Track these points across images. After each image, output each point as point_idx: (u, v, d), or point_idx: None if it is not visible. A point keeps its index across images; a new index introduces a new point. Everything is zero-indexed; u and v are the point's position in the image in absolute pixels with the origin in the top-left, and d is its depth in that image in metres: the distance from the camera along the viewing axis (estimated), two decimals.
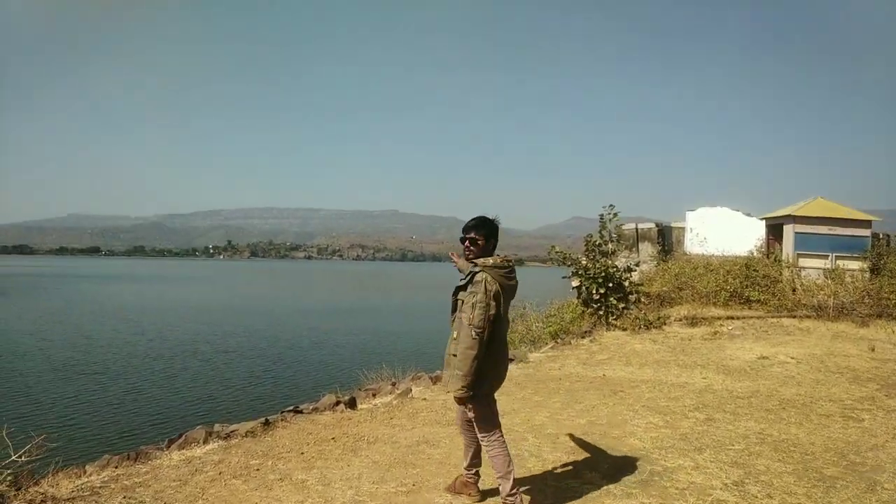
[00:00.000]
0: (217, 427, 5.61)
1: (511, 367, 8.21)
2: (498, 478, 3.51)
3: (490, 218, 3.70)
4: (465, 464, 3.85)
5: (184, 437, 5.26)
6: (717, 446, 4.87)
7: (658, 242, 18.77)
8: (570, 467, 4.39)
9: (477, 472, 3.84)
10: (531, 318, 15.83)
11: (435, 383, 7.19)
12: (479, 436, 3.59)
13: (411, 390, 6.40)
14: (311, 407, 6.02)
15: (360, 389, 6.95)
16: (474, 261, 3.55)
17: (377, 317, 35.03)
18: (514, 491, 3.47)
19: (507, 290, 3.53)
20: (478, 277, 3.41)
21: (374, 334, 26.72)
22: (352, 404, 6.21)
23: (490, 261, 3.51)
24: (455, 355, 3.37)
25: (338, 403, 6.13)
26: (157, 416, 12.80)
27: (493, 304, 3.36)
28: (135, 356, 19.94)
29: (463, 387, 3.31)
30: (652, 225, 19.18)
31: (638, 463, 4.46)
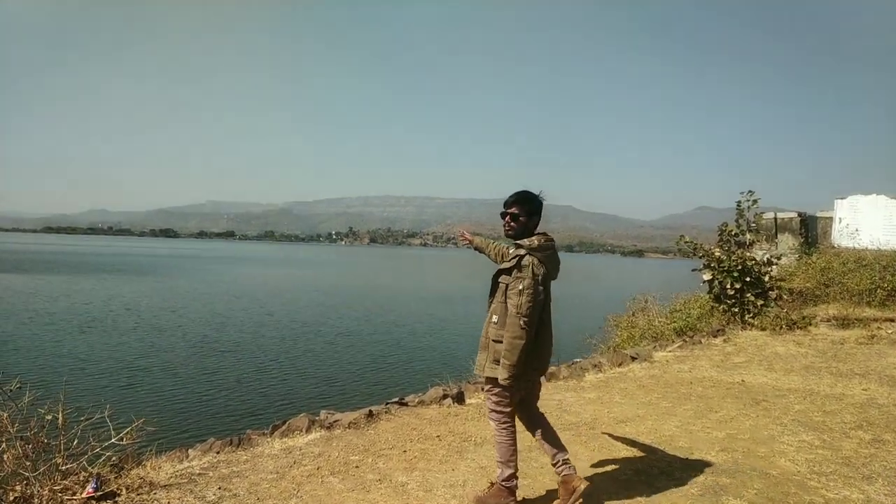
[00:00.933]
0: (322, 415, 5.43)
1: (634, 366, 7.52)
2: (499, 462, 3.41)
3: (534, 193, 3.50)
4: (551, 460, 3.44)
5: (287, 424, 5.10)
6: (892, 475, 4.01)
7: (800, 234, 16.95)
8: (710, 492, 3.74)
9: (567, 460, 3.41)
10: (653, 312, 14.82)
11: (549, 380, 6.66)
12: (491, 418, 3.42)
13: None
14: (416, 399, 5.70)
15: (469, 382, 6.54)
16: (517, 242, 3.39)
17: None
18: (511, 477, 3.37)
19: (552, 271, 3.39)
20: (525, 261, 3.23)
21: None
22: (459, 399, 5.82)
23: (536, 241, 3.33)
24: (498, 341, 3.25)
25: (445, 397, 5.77)
26: (273, 398, 13.18)
27: (541, 289, 3.22)
28: (262, 336, 20.90)
29: (510, 376, 3.16)
30: (794, 214, 17.34)
31: (793, 491, 3.73)
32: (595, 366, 7.88)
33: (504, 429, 3.37)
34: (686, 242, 11.47)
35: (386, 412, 5.34)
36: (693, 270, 11.47)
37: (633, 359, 7.96)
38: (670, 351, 8.63)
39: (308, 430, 4.95)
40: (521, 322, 3.14)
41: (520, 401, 3.46)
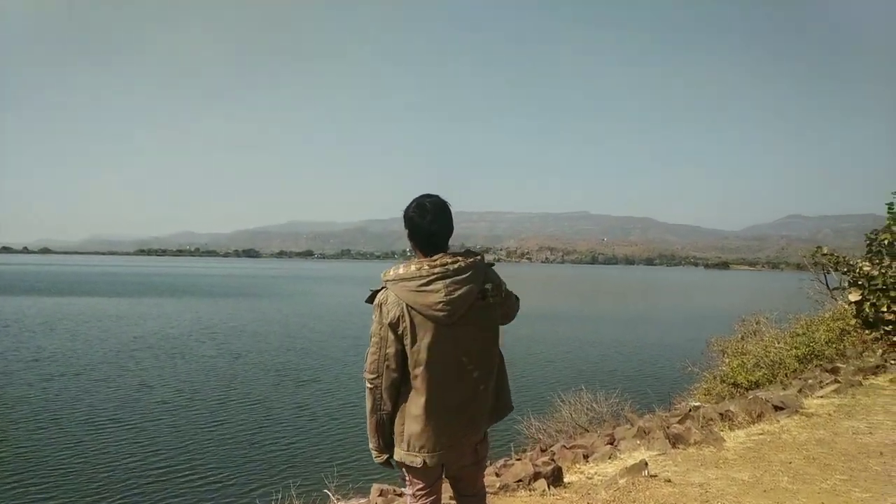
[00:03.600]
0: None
1: (786, 421, 5.63)
2: None
3: (413, 203, 2.47)
4: None
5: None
6: None
7: None
8: None
9: None
10: (768, 336, 12.66)
11: (676, 445, 4.93)
12: None
13: (646, 464, 4.20)
14: (497, 483, 4.11)
15: (564, 447, 4.91)
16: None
17: (582, 326, 32.48)
18: None
19: (429, 314, 2.28)
20: (378, 298, 2.39)
21: (577, 347, 24.40)
22: (556, 478, 4.20)
23: (402, 269, 2.36)
24: None
25: (537, 477, 4.16)
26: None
27: (390, 337, 2.32)
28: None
29: (371, 450, 2.48)
30: None
31: None
32: (724, 417, 6.06)
33: None
34: (825, 255, 9.39)
35: None
36: (834, 289, 9.36)
37: (778, 409, 6.08)
38: (823, 396, 6.66)
39: None
40: (365, 380, 2.40)
41: (459, 493, 2.58)
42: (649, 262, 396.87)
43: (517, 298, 2.62)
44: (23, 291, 49.48)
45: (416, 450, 2.34)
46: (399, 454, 2.40)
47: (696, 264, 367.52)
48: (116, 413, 12.98)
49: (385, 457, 2.46)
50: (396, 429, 2.41)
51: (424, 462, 2.33)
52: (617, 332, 30.11)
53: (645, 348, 24.56)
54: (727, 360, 12.18)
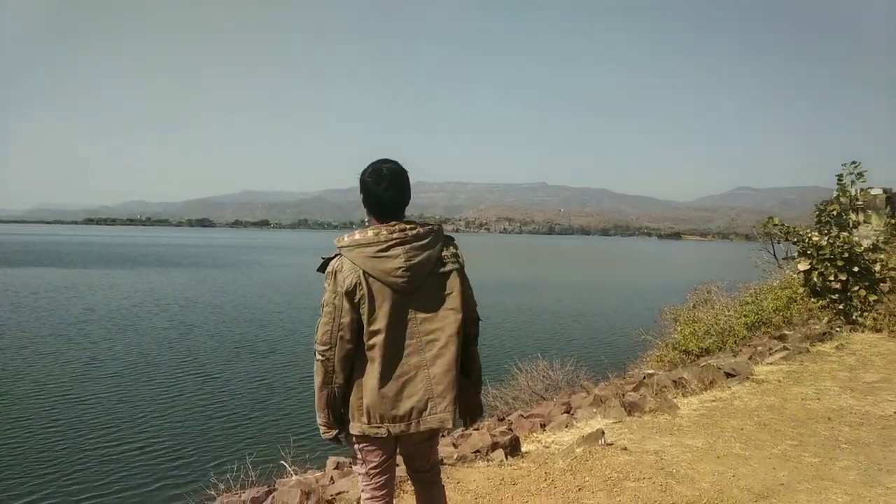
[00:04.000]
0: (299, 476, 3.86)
1: (737, 388, 5.75)
2: None
3: (368, 168, 2.38)
4: None
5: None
6: None
7: (887, 213, 14.79)
8: None
9: None
10: (719, 304, 12.97)
11: (631, 412, 4.96)
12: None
13: (603, 433, 4.21)
14: (455, 455, 4.05)
15: (522, 416, 4.89)
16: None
17: (539, 296, 32.76)
18: None
19: (387, 280, 2.20)
20: (330, 266, 2.27)
21: (534, 316, 24.58)
22: (514, 448, 4.18)
23: (353, 237, 2.27)
24: None
25: (495, 447, 4.12)
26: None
27: (345, 306, 2.21)
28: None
29: (320, 425, 2.36)
30: (879, 191, 15.17)
31: None
32: (677, 384, 6.16)
33: (368, 499, 2.39)
34: (776, 225, 9.58)
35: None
36: (785, 259, 9.60)
37: (730, 375, 6.20)
38: (772, 363, 6.82)
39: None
40: (316, 352, 2.27)
41: (413, 469, 2.51)
42: (605, 232, 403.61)
43: (478, 319, 2.49)
44: None
45: (378, 420, 2.24)
46: (359, 427, 2.28)
47: (650, 234, 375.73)
48: (66, 388, 12.58)
49: (334, 432, 2.35)
50: (353, 403, 2.29)
51: (388, 431, 2.24)
52: (573, 301, 30.58)
53: (600, 317, 25.00)
54: (679, 328, 12.44)
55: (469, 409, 2.52)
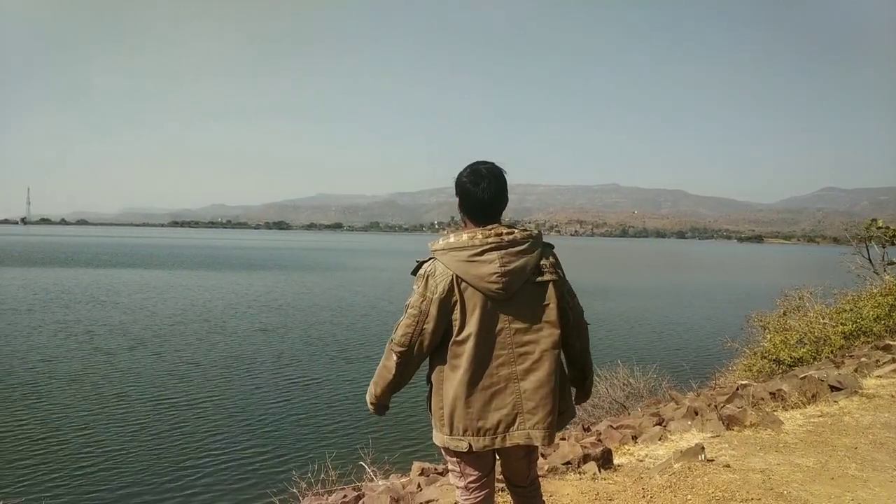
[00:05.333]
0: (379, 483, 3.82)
1: (845, 403, 5.35)
2: None
3: (467, 169, 2.29)
4: None
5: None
6: None
7: None
8: None
9: None
10: (813, 312, 12.23)
11: (730, 426, 4.69)
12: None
13: (703, 448, 3.98)
14: (546, 466, 3.93)
15: (611, 427, 4.72)
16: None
17: (614, 300, 31.93)
18: None
19: (481, 286, 2.09)
20: (422, 269, 2.19)
21: (610, 322, 23.99)
22: (606, 461, 4.02)
23: (447, 240, 2.18)
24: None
25: (586, 459, 3.97)
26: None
27: (432, 313, 2.11)
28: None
29: (369, 402, 2.35)
30: None
31: None
32: (775, 396, 5.80)
33: None
34: (879, 228, 8.95)
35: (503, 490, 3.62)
36: (888, 263, 8.95)
37: (835, 388, 5.79)
38: (882, 376, 6.34)
39: None
40: (391, 349, 2.21)
41: (511, 484, 2.41)
42: (681, 235, 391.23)
43: (587, 325, 2.46)
44: (63, 263, 50.75)
45: (461, 433, 2.15)
46: (441, 439, 2.21)
47: (729, 237, 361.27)
48: (168, 386, 13.05)
49: (376, 411, 2.38)
50: (436, 412, 2.22)
51: (470, 446, 2.14)
52: (650, 306, 29.69)
53: (679, 323, 24.16)
54: (769, 336, 11.83)
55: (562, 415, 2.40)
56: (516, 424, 2.16)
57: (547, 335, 2.19)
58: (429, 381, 2.28)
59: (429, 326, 2.14)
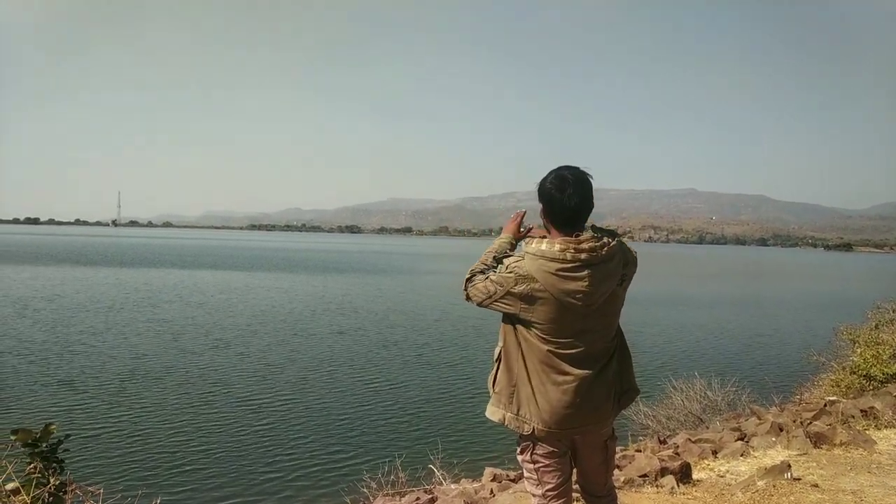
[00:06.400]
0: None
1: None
2: None
3: (550, 174, 2.27)
4: None
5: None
6: None
7: None
8: None
9: None
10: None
11: (818, 444, 4.47)
12: None
13: (789, 466, 3.82)
14: (622, 478, 3.87)
15: (689, 440, 4.58)
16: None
17: (691, 309, 30.92)
18: None
19: (564, 298, 2.08)
20: (509, 260, 2.23)
21: (687, 332, 23.24)
22: (685, 475, 3.91)
23: (540, 246, 2.16)
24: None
25: (664, 472, 3.88)
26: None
27: (506, 302, 2.19)
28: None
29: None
30: None
31: None
32: (867, 414, 5.49)
33: None
34: None
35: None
36: None
37: None
38: None
39: None
40: (467, 288, 2.36)
41: (589, 493, 2.40)
42: (762, 242, 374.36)
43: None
44: (151, 263, 53.67)
45: (526, 418, 2.20)
46: (504, 416, 2.27)
47: (815, 245, 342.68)
48: (249, 385, 13.43)
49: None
50: (503, 388, 2.27)
51: (534, 430, 2.18)
52: (729, 316, 28.56)
53: (761, 334, 23.12)
54: (859, 351, 11.21)
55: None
56: (589, 422, 2.22)
57: (614, 336, 2.27)
58: (497, 360, 2.34)
59: (499, 306, 2.23)
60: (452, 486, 4.51)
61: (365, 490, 6.93)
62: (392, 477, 6.93)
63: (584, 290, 2.08)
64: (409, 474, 7.02)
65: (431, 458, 7.44)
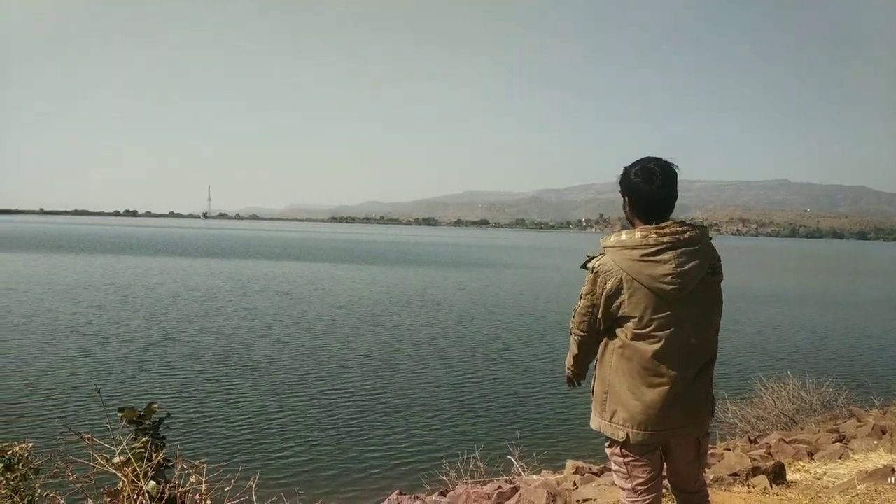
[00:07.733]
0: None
1: None
2: None
3: (634, 165, 2.25)
4: None
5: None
6: None
7: None
8: None
9: None
10: None
11: None
12: None
13: (893, 470, 3.63)
14: (711, 476, 3.80)
15: (783, 440, 4.42)
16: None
17: (785, 306, 29.40)
18: None
19: (654, 286, 2.06)
20: (591, 264, 2.22)
21: (779, 329, 22.17)
22: (778, 475, 3.79)
23: (619, 237, 2.16)
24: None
25: (756, 472, 3.78)
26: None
27: (602, 307, 2.17)
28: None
29: (567, 370, 2.52)
30: None
31: None
32: None
33: None
34: None
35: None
36: None
37: None
38: None
39: None
40: (573, 332, 2.37)
41: (679, 490, 2.39)
42: (862, 236, 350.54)
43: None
44: (240, 255, 56.17)
45: (620, 423, 2.19)
46: (599, 423, 2.28)
47: None
48: (336, 375, 13.79)
49: (572, 378, 2.56)
50: (598, 396, 2.28)
51: (628, 437, 2.17)
52: (826, 314, 27.01)
53: (860, 334, 21.76)
54: None
55: None
56: (687, 428, 2.20)
57: (714, 336, 2.24)
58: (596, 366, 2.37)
59: (600, 318, 2.23)
60: (535, 477, 4.55)
61: (444, 477, 7.06)
62: (471, 466, 7.03)
63: (673, 272, 2.05)
64: (487, 464, 7.10)
65: (511, 449, 7.49)
